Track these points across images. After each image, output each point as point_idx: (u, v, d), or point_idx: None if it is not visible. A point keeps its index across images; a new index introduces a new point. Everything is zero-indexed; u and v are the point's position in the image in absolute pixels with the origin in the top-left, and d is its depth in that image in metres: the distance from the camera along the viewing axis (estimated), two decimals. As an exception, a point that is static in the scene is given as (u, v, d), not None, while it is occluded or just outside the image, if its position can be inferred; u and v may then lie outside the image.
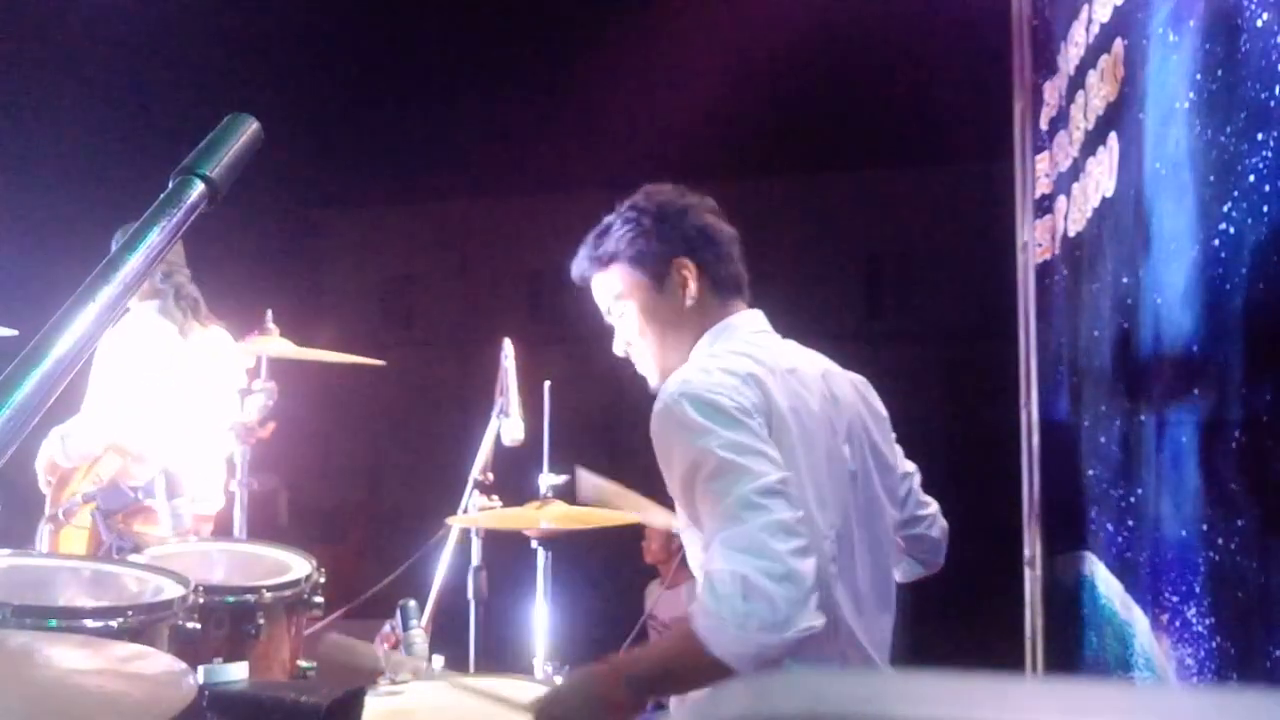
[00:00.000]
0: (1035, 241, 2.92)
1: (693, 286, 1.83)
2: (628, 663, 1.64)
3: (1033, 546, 2.92)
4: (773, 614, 1.43)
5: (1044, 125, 2.83)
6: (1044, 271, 2.84)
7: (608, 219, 1.90)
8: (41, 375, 0.67)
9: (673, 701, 1.81)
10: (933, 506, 2.04)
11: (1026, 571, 2.95)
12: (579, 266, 1.91)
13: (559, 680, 2.32)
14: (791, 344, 1.88)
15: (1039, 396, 2.90)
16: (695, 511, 1.62)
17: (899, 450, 1.98)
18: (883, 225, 16.81)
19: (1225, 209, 1.50)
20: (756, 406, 1.63)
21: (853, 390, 1.87)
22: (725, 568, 1.47)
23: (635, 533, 3.05)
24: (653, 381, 1.88)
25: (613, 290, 1.88)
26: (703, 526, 1.60)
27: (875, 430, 1.87)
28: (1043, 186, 2.85)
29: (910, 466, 2.02)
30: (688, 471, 1.59)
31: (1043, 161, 2.85)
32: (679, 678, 1.58)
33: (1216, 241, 1.54)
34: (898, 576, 2.05)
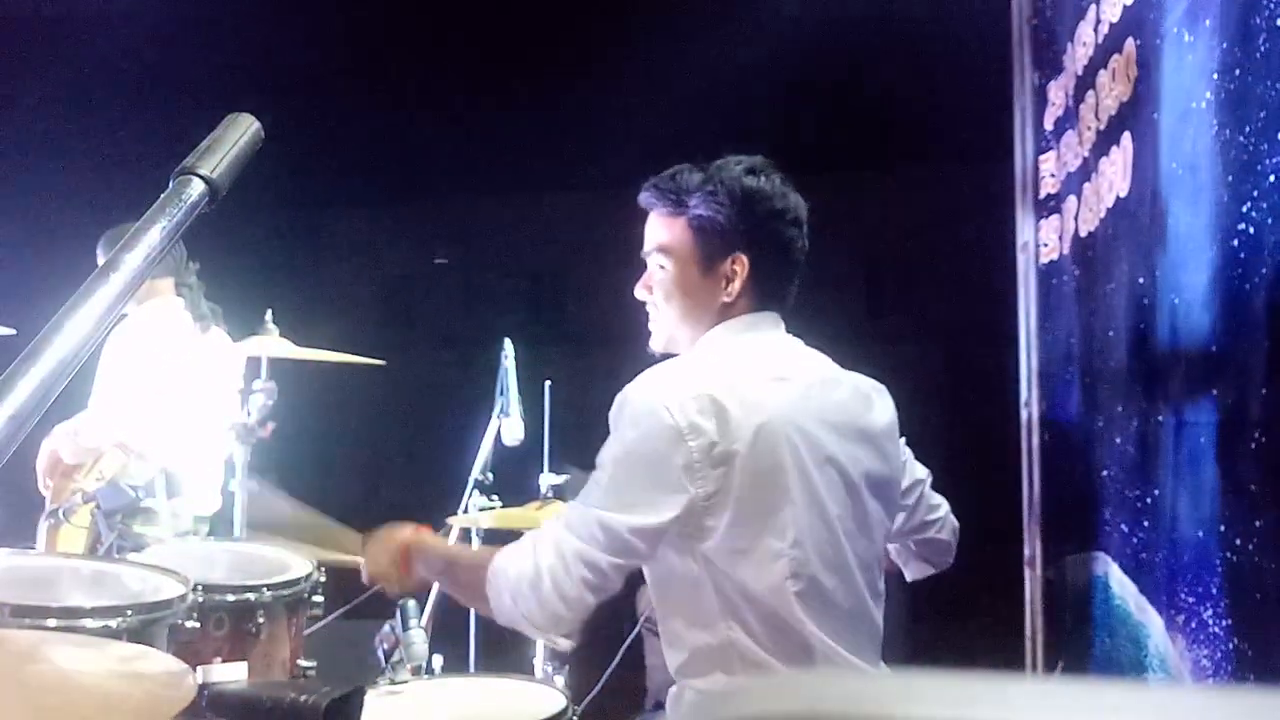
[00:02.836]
0: (1039, 241, 2.92)
1: (737, 285, 1.75)
2: (431, 546, 1.89)
3: (1033, 546, 2.92)
4: (536, 616, 1.63)
5: (1049, 125, 2.82)
6: (1050, 271, 2.83)
7: (702, 167, 1.78)
8: (41, 375, 0.67)
9: (669, 702, 1.81)
10: (943, 509, 2.01)
11: (1026, 571, 2.95)
12: (649, 195, 1.81)
13: (559, 680, 2.33)
14: (797, 345, 1.83)
15: (1045, 397, 2.90)
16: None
17: (909, 455, 1.94)
18: (883, 225, 16.80)
19: (1244, 209, 1.49)
20: (695, 428, 1.60)
21: (855, 397, 1.81)
22: (541, 551, 1.63)
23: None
24: (654, 343, 1.85)
25: (661, 239, 1.79)
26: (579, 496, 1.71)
27: (883, 439, 1.81)
28: (1048, 186, 2.85)
29: (922, 472, 1.98)
30: (601, 455, 1.68)
31: (1048, 161, 2.85)
32: (456, 584, 1.83)
33: (1235, 242, 1.53)
34: (906, 575, 2.05)
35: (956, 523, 2.02)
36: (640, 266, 1.85)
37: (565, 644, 1.70)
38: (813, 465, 1.68)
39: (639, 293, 1.85)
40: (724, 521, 1.62)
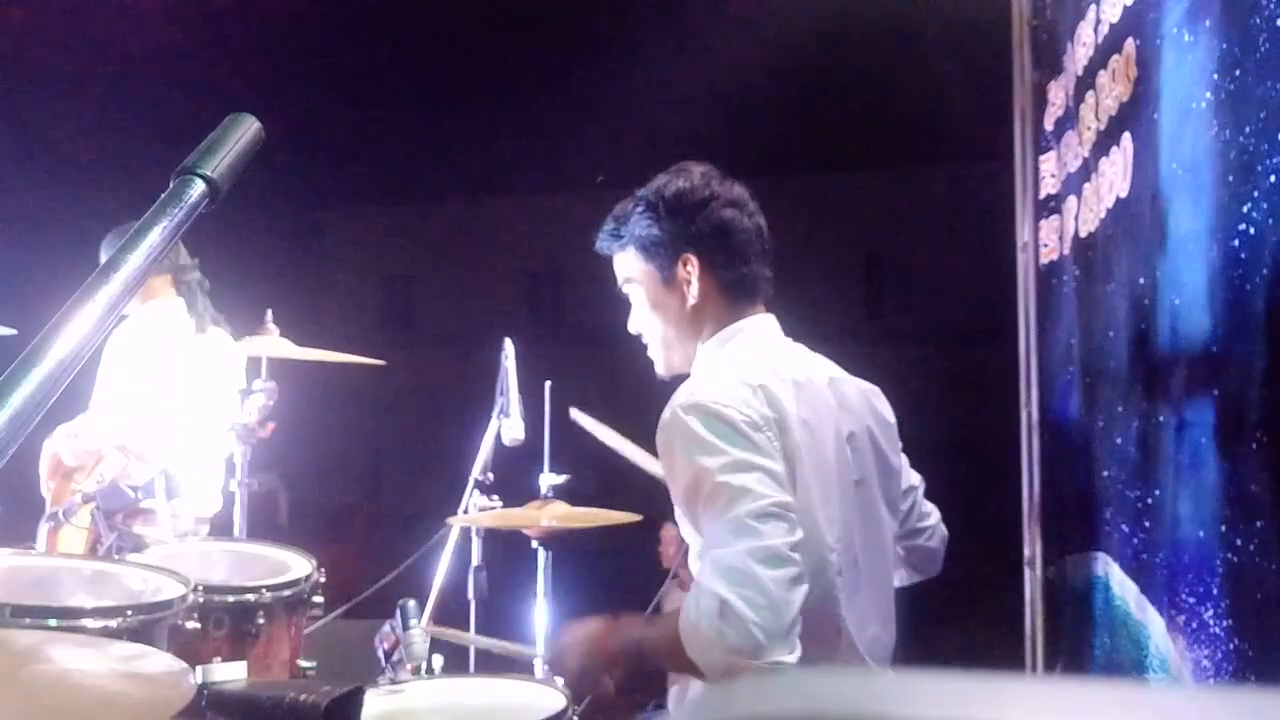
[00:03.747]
0: (1039, 242, 2.92)
1: (696, 286, 1.78)
2: (629, 624, 1.72)
3: (1033, 546, 2.92)
4: (746, 640, 1.47)
5: (1049, 126, 2.82)
6: (1050, 272, 2.84)
7: (635, 196, 1.85)
8: (41, 375, 0.67)
9: (671, 700, 1.81)
10: (933, 517, 2.02)
11: (1026, 571, 2.95)
12: (600, 241, 1.88)
13: (559, 680, 2.33)
14: (801, 349, 1.85)
15: (1044, 397, 2.90)
16: (696, 520, 1.63)
17: (905, 461, 1.96)
18: (883, 225, 16.81)
19: (1245, 209, 1.49)
20: (766, 419, 1.61)
21: (860, 397, 1.85)
22: (709, 587, 1.50)
23: (636, 532, 3.05)
24: (658, 369, 1.88)
25: (624, 272, 1.86)
26: (701, 535, 1.61)
27: (882, 439, 1.85)
28: (1049, 186, 2.85)
29: (916, 479, 2.00)
30: (689, 485, 1.60)
31: (1048, 162, 2.85)
32: (661, 657, 1.66)
33: (1236, 242, 1.53)
34: (894, 582, 2.05)
35: (946, 531, 2.03)
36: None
37: (791, 659, 1.50)
38: (840, 462, 1.72)
39: (632, 330, 1.90)
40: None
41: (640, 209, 1.81)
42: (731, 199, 1.81)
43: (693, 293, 1.79)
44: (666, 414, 1.65)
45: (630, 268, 1.84)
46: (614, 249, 1.86)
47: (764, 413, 1.61)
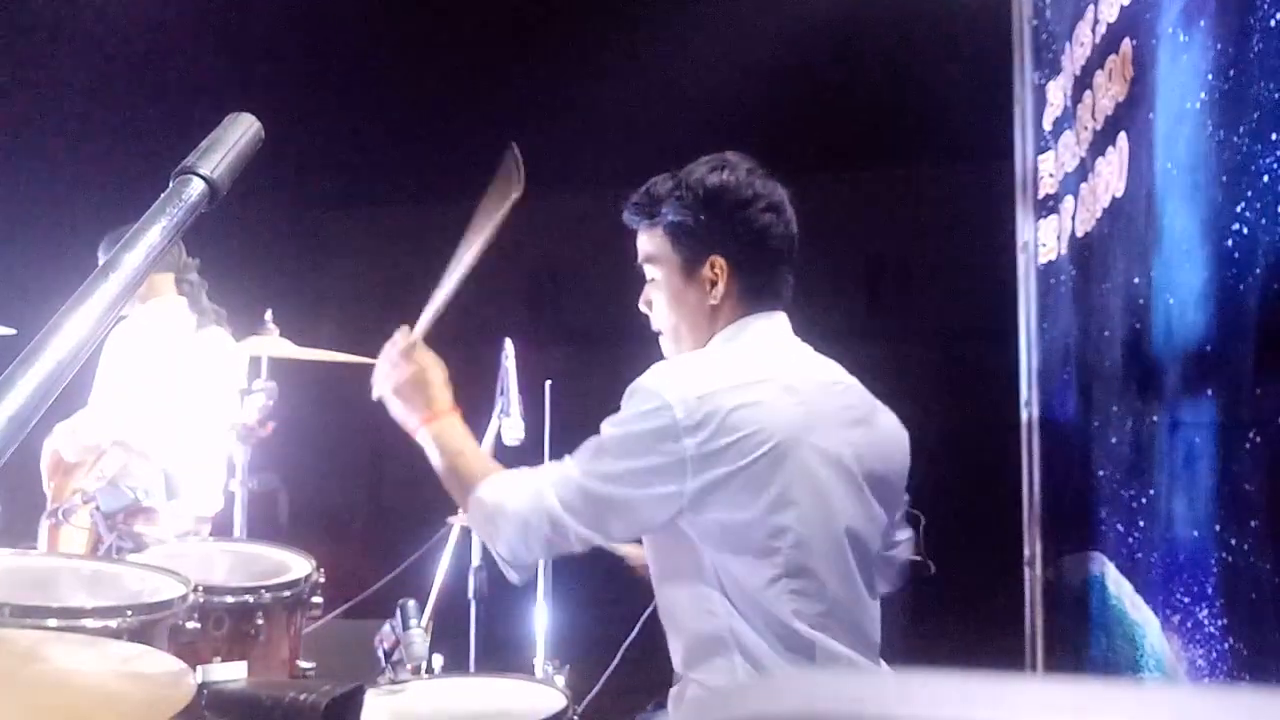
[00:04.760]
0: (1038, 242, 2.92)
1: (720, 288, 1.76)
2: (449, 429, 1.83)
3: (1033, 546, 2.92)
4: (499, 546, 1.70)
5: (1047, 126, 2.83)
6: (1049, 272, 2.84)
7: (672, 174, 1.80)
8: (41, 375, 0.67)
9: (670, 701, 1.81)
10: (907, 534, 2.01)
11: (1026, 571, 2.95)
12: (629, 212, 1.85)
13: (559, 680, 2.33)
14: (806, 350, 1.84)
15: (1043, 397, 2.90)
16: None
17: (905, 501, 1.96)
18: (883, 225, 16.80)
19: (1239, 209, 1.50)
20: (701, 424, 1.61)
21: (862, 401, 1.82)
22: (520, 498, 1.67)
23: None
24: (666, 354, 1.87)
25: (645, 250, 1.83)
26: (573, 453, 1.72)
27: (889, 442, 1.84)
28: (1047, 186, 2.85)
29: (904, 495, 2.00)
30: (603, 432, 1.68)
31: (1047, 162, 2.85)
32: (453, 467, 1.80)
33: (1230, 242, 1.53)
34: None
35: (912, 555, 2.03)
36: (640, 278, 1.88)
37: (514, 577, 1.76)
38: (819, 466, 1.69)
39: (642, 306, 1.88)
40: (717, 518, 1.64)
41: (679, 194, 1.77)
42: (773, 202, 1.78)
43: (715, 294, 1.77)
44: (641, 376, 1.69)
45: (653, 246, 1.81)
46: (639, 223, 1.83)
47: (698, 420, 1.61)
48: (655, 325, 1.87)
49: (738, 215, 1.76)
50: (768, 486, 1.64)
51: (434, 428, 1.82)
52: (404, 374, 1.85)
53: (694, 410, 1.62)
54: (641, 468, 1.63)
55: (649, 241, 1.82)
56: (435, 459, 1.82)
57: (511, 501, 1.69)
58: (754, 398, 1.66)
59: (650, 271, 1.84)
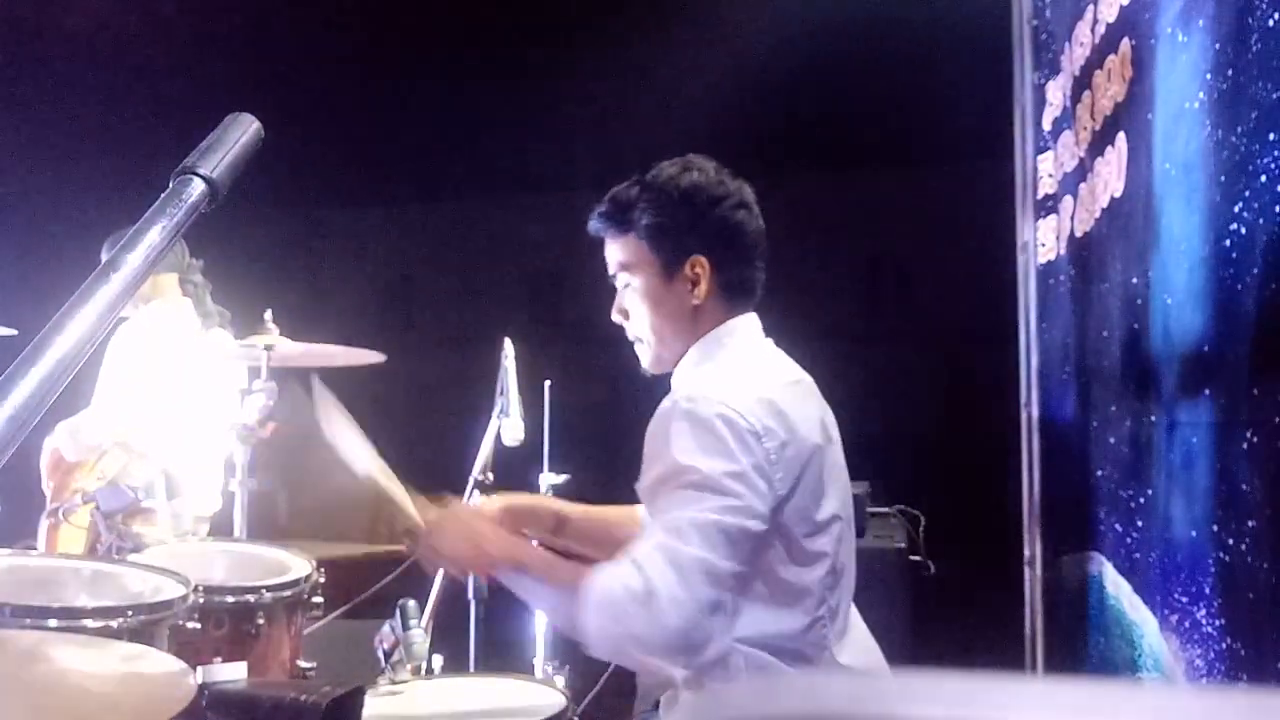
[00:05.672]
0: (1037, 242, 2.92)
1: (703, 287, 1.75)
2: (525, 551, 1.71)
3: (1033, 546, 2.93)
4: (652, 638, 1.48)
5: (1047, 125, 2.83)
6: (1048, 272, 2.84)
7: (637, 180, 1.79)
8: (42, 375, 0.67)
9: (663, 703, 1.81)
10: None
11: (1026, 571, 2.95)
12: (596, 222, 1.82)
13: (559, 680, 2.33)
14: (780, 352, 1.83)
15: (1042, 397, 2.90)
16: (655, 505, 1.61)
17: None
18: (882, 226, 16.79)
19: (1236, 209, 1.50)
20: (769, 430, 1.59)
21: (822, 403, 1.82)
22: (648, 570, 1.48)
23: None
24: (645, 362, 1.84)
25: (619, 257, 1.81)
26: (653, 516, 1.60)
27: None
28: (1046, 186, 2.85)
29: None
30: (668, 473, 1.58)
31: (1046, 162, 2.85)
32: (541, 596, 1.67)
33: (1228, 242, 1.54)
34: None
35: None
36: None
37: (680, 674, 1.53)
38: (836, 460, 1.74)
39: (615, 317, 1.85)
40: (785, 519, 1.62)
41: (650, 196, 1.76)
42: (742, 199, 1.78)
43: (698, 293, 1.76)
44: (668, 403, 1.64)
45: (628, 253, 1.79)
46: (611, 232, 1.81)
47: (768, 424, 1.59)
48: (633, 334, 1.84)
49: (713, 213, 1.76)
50: (817, 486, 1.66)
51: (509, 561, 1.69)
52: (450, 546, 1.78)
53: (761, 416, 1.59)
54: (741, 470, 1.56)
55: (622, 249, 1.80)
56: (520, 585, 1.68)
57: (627, 579, 1.49)
58: (792, 398, 1.67)
59: (625, 279, 1.81)
